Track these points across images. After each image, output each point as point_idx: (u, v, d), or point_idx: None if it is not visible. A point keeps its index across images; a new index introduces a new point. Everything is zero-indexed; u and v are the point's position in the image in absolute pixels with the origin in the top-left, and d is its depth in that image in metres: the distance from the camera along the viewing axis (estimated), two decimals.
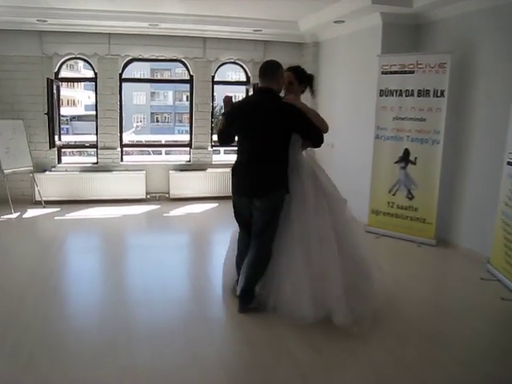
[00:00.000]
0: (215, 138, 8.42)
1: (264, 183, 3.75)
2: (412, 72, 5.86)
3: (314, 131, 3.77)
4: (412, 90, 5.88)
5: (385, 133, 6.19)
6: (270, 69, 3.81)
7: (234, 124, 3.87)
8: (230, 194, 4.13)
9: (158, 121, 41.00)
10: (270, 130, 3.70)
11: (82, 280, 4.73)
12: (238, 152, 3.93)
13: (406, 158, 6.03)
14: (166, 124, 40.48)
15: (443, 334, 3.73)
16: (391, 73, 6.05)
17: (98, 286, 4.64)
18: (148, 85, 38.63)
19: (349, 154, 7.34)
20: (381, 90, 6.16)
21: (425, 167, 5.89)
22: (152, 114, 40.74)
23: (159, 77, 36.22)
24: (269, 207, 3.78)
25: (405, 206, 6.11)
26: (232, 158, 4.25)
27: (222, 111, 4.10)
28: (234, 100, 4.12)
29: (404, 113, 6.00)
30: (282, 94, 3.93)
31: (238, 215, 4.02)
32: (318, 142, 3.84)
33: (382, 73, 6.12)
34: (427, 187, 5.88)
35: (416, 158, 5.95)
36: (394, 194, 6.20)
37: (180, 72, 31.26)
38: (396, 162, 6.13)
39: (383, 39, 6.33)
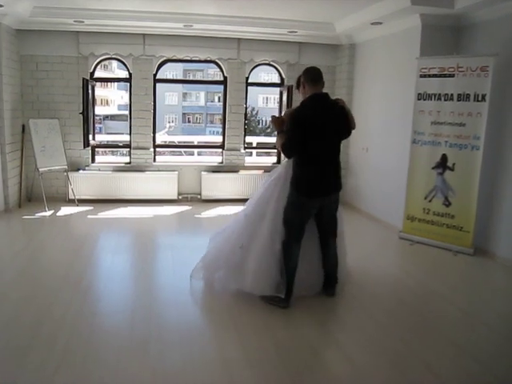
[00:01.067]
0: (248, 139, 8.43)
1: (340, 177, 4.22)
2: (452, 75, 5.69)
3: (350, 130, 4.27)
4: (451, 94, 5.71)
5: (422, 137, 6.03)
6: (321, 75, 4.08)
7: (307, 132, 3.91)
8: None
9: (189, 121, 41.26)
10: (337, 131, 4.10)
11: (114, 280, 4.76)
12: (307, 156, 4.00)
13: (443, 164, 5.87)
14: (198, 125, 40.71)
15: (473, 342, 3.60)
16: (430, 76, 5.89)
17: (130, 287, 4.65)
18: (180, 85, 38.92)
19: (383, 159, 7.20)
20: (419, 94, 6.00)
21: (463, 173, 5.71)
22: (184, 114, 41.02)
23: (192, 77, 36.49)
24: (339, 198, 4.29)
25: (441, 213, 5.94)
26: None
27: (276, 131, 4.27)
28: (279, 117, 4.33)
29: (442, 117, 5.83)
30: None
31: (305, 217, 4.13)
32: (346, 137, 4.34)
33: (421, 76, 5.96)
34: (465, 194, 5.71)
35: (454, 164, 5.78)
36: (430, 201, 6.03)
37: (213, 73, 31.51)
38: (433, 168, 5.97)
39: (422, 41, 6.16)
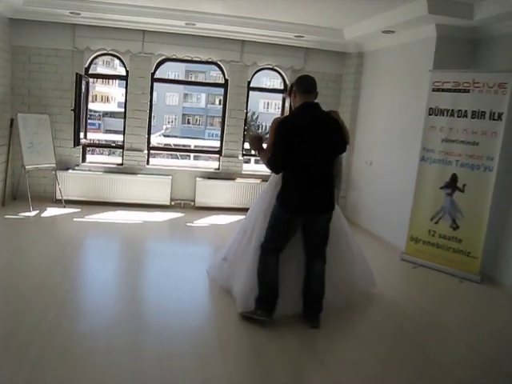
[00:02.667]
0: (247, 145, 8.05)
1: (332, 197, 3.86)
2: (467, 91, 5.35)
3: (345, 145, 3.96)
4: (465, 111, 5.38)
5: (431, 155, 5.69)
6: (314, 86, 3.82)
7: (293, 143, 3.63)
8: None
9: (189, 122, 40.96)
10: (329, 144, 3.75)
11: (95, 290, 4.49)
12: (294, 171, 3.72)
13: (453, 184, 5.52)
14: (197, 126, 40.44)
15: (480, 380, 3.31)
16: (443, 90, 5.55)
17: (110, 301, 4.29)
18: (181, 86, 38.65)
19: (388, 174, 6.85)
20: (430, 109, 5.67)
21: (474, 195, 5.36)
22: (184, 115, 40.74)
23: (193, 79, 36.21)
24: (331, 219, 3.89)
25: (448, 236, 5.59)
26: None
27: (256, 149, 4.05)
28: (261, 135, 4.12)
29: (455, 135, 5.50)
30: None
31: (288, 234, 3.84)
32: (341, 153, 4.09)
33: (433, 90, 5.62)
34: (475, 218, 5.36)
35: (464, 185, 5.44)
36: (436, 223, 5.69)
37: (215, 75, 31.28)
38: (442, 188, 5.62)
39: (436, 53, 5.82)
